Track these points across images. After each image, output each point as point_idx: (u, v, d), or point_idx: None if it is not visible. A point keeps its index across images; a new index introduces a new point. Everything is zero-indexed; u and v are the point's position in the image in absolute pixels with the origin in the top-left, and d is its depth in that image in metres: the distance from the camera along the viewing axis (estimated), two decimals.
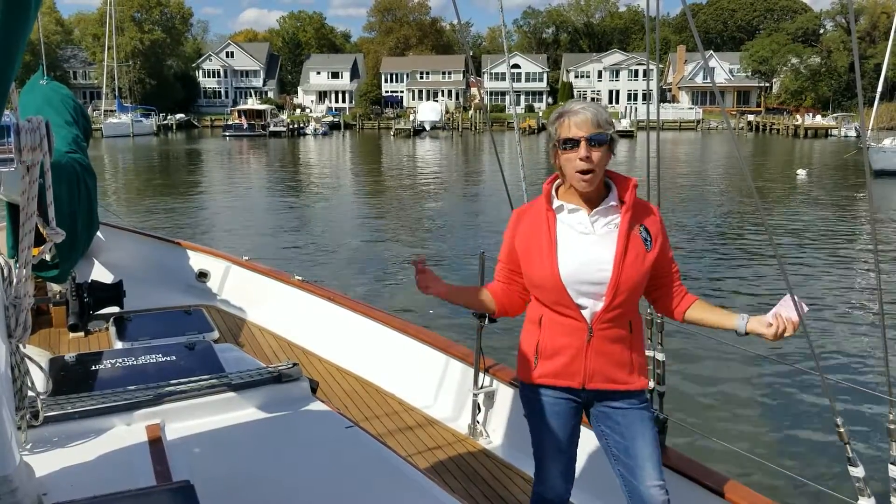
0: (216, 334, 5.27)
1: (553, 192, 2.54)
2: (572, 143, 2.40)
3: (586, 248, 2.45)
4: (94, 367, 3.27)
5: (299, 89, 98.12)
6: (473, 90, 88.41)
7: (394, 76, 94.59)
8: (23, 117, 1.85)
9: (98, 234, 5.92)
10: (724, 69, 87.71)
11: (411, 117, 78.68)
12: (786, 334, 2.38)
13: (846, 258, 15.82)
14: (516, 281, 2.64)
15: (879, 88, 30.53)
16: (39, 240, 2.05)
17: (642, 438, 2.51)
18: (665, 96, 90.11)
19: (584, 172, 2.39)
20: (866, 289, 12.97)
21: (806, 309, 2.37)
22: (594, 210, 2.47)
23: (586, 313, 2.46)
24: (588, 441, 2.71)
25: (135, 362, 3.34)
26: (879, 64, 32.49)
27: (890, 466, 2.67)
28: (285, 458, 2.45)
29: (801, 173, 33.24)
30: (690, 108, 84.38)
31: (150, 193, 28.51)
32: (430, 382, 4.68)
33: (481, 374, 4.23)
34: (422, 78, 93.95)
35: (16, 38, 1.35)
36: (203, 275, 6.67)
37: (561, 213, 2.51)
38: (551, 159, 2.54)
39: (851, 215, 22.20)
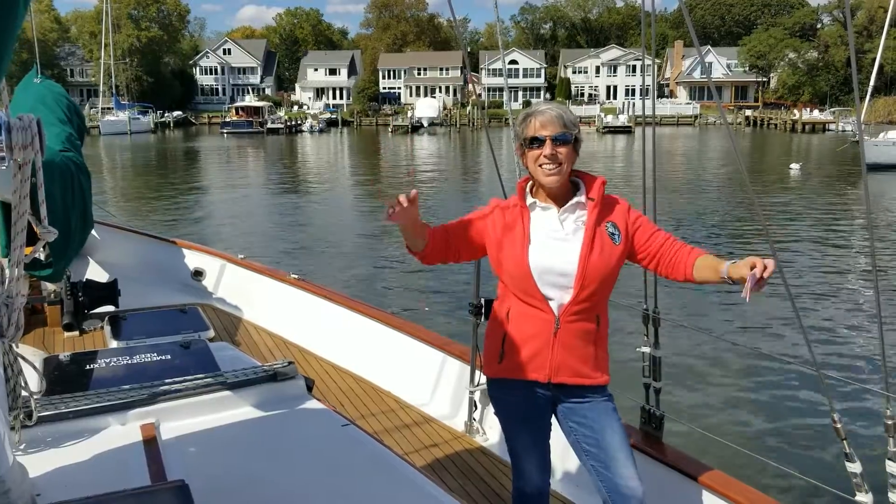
0: (211, 333, 5.26)
1: (527, 190, 2.62)
2: (538, 142, 2.48)
3: (556, 243, 2.51)
4: (88, 367, 3.25)
5: (297, 86, 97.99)
6: (471, 86, 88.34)
7: (391, 73, 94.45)
8: (15, 115, 1.84)
9: (93, 232, 5.89)
10: (721, 64, 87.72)
11: (409, 114, 78.64)
12: (756, 284, 2.22)
13: (841, 253, 15.85)
14: (452, 237, 2.62)
15: (872, 82, 30.60)
16: (33, 238, 2.04)
17: (611, 430, 2.56)
18: (663, 92, 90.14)
19: (549, 168, 2.46)
20: (863, 284, 12.98)
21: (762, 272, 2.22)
22: (563, 208, 2.54)
23: (553, 305, 2.50)
24: (561, 433, 2.72)
25: (130, 361, 3.33)
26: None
27: (887, 462, 2.67)
28: (281, 457, 2.44)
29: (795, 167, 33.32)
30: (688, 104, 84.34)
31: (146, 191, 28.50)
32: (427, 380, 4.68)
33: (477, 372, 4.23)
34: (419, 74, 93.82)
35: (4, 37, 1.34)
36: (198, 273, 6.66)
37: (534, 210, 2.58)
38: (519, 160, 2.61)
39: (844, 209, 22.25)
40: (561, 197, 2.56)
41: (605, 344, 2.62)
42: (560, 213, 2.54)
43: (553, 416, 2.69)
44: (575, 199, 2.54)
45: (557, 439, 2.71)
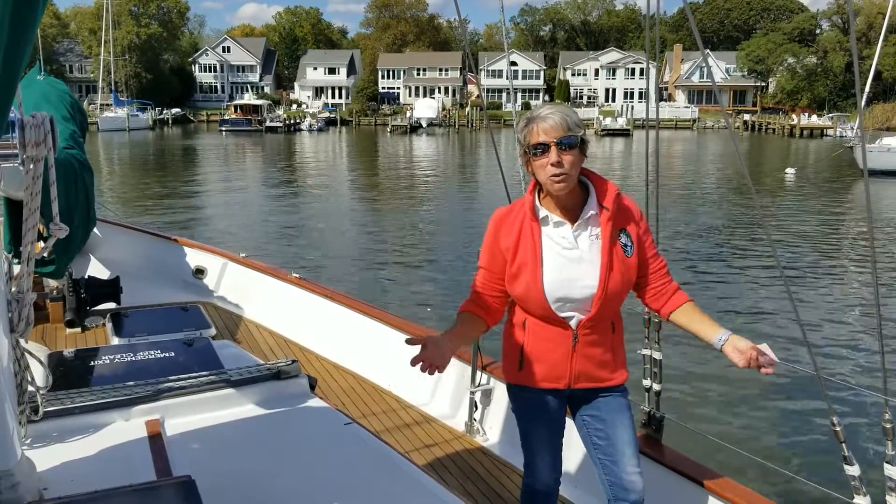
0: (213, 331, 5.26)
1: (536, 201, 2.52)
2: (542, 149, 2.38)
3: (571, 265, 2.45)
4: (92, 363, 3.26)
5: (296, 85, 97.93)
6: (471, 87, 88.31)
7: (391, 72, 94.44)
8: (27, 113, 1.85)
9: (95, 230, 5.90)
10: (720, 68, 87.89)
11: (408, 114, 78.67)
12: (754, 364, 2.34)
13: (838, 257, 15.89)
14: (497, 288, 2.59)
15: (867, 88, 30.70)
16: (37, 235, 2.05)
17: (623, 426, 2.58)
18: (661, 95, 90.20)
19: (556, 176, 2.38)
20: (861, 288, 13.01)
21: (773, 359, 2.35)
22: (576, 224, 2.46)
23: (572, 322, 2.49)
24: (575, 433, 2.74)
25: (133, 358, 3.33)
26: (875, 65, 32.70)
27: (885, 465, 2.69)
28: (284, 454, 2.46)
29: (790, 172, 33.43)
30: (687, 107, 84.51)
31: (146, 189, 28.43)
32: (428, 380, 4.68)
33: (478, 372, 4.24)
34: (419, 74, 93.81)
35: (24, 36, 1.35)
36: (200, 271, 6.66)
37: (546, 226, 2.49)
38: (523, 166, 2.53)
39: (838, 214, 22.36)
40: (572, 202, 2.47)
41: (621, 346, 2.62)
42: (574, 230, 2.46)
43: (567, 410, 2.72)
44: (589, 213, 2.45)
45: (571, 440, 2.72)
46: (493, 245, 2.56)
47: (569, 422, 2.73)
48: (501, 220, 2.57)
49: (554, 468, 2.65)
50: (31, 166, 1.84)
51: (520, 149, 2.50)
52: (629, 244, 2.49)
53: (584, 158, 2.45)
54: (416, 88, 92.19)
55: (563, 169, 2.36)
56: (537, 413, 2.63)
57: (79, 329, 5.46)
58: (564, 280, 2.44)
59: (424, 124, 75.31)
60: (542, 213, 2.50)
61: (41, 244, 2.21)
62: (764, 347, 2.36)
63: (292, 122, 74.48)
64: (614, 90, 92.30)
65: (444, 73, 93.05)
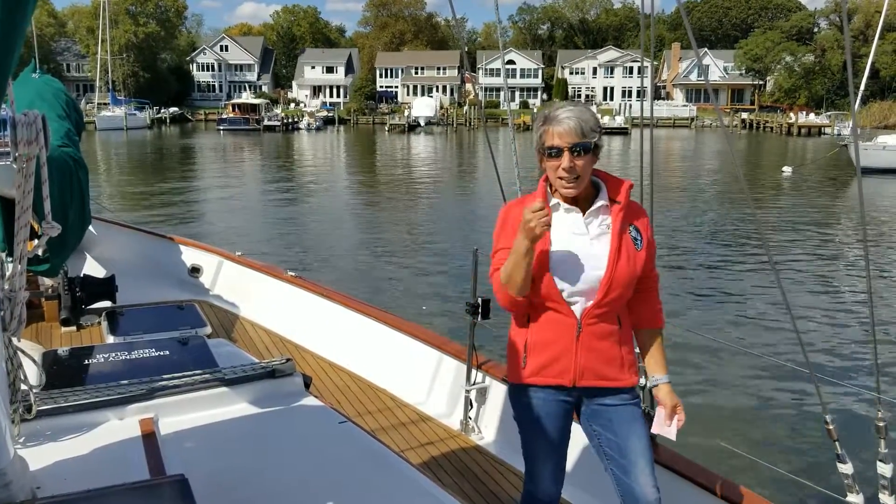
0: (208, 329, 5.25)
1: (548, 190, 2.54)
2: (556, 152, 2.40)
3: (580, 248, 2.45)
4: (86, 362, 3.26)
5: (293, 84, 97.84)
6: (469, 86, 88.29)
7: (388, 71, 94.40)
8: (19, 111, 1.84)
9: (90, 228, 5.89)
10: (718, 67, 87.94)
11: (406, 113, 78.63)
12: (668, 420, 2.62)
13: (834, 256, 15.90)
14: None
15: (862, 87, 30.65)
16: (31, 234, 2.05)
17: (636, 436, 2.52)
18: (660, 93, 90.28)
19: (567, 181, 2.40)
20: (855, 287, 13.03)
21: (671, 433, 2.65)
22: (588, 211, 2.48)
23: (576, 309, 2.46)
24: (579, 438, 2.72)
25: (128, 357, 3.33)
26: (873, 63, 32.71)
27: (878, 463, 2.70)
28: (279, 453, 2.46)
29: (787, 170, 33.48)
30: (685, 106, 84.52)
31: (143, 187, 28.40)
32: (423, 379, 4.69)
33: (474, 371, 4.24)
34: (417, 73, 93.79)
35: (15, 32, 1.35)
36: (195, 270, 6.66)
37: (557, 211, 2.49)
38: (537, 162, 2.55)
39: (835, 212, 22.40)
40: (583, 195, 2.49)
41: (630, 344, 2.58)
42: (586, 218, 2.47)
43: (574, 418, 2.66)
44: (599, 203, 2.48)
45: (574, 446, 2.69)
46: (508, 230, 2.51)
47: (573, 426, 2.68)
48: (512, 210, 2.55)
49: (557, 477, 2.61)
50: (24, 164, 1.84)
51: (535, 144, 2.52)
52: (639, 238, 2.51)
53: (595, 161, 2.47)
54: (415, 87, 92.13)
55: (574, 174, 2.39)
56: (542, 420, 2.56)
57: (74, 327, 5.46)
58: (573, 259, 2.44)
59: (422, 123, 75.26)
60: (554, 200, 2.51)
61: (34, 242, 2.21)
62: (680, 411, 2.62)
63: (290, 120, 74.36)
64: (612, 89, 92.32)
65: (442, 71, 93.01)
